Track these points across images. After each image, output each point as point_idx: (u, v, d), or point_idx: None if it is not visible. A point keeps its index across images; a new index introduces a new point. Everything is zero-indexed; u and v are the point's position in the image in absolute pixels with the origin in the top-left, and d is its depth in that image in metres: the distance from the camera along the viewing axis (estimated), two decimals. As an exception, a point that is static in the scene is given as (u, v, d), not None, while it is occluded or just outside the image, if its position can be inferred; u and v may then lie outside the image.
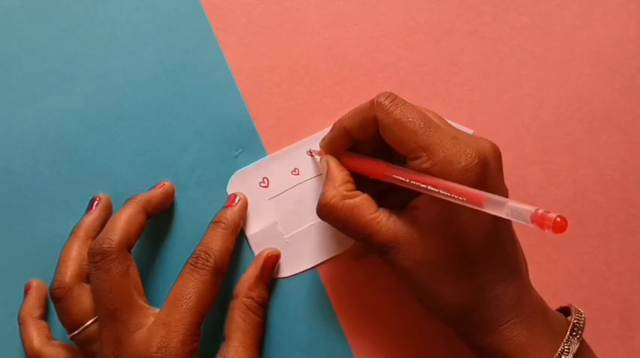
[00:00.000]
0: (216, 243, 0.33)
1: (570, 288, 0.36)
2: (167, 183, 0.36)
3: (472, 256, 0.29)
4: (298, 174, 0.37)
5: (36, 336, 0.35)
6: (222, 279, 0.32)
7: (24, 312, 0.36)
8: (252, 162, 0.37)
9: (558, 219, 0.23)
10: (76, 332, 0.32)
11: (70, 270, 0.33)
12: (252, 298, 0.34)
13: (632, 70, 0.37)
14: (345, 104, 0.37)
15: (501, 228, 0.30)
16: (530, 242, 0.36)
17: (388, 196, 0.33)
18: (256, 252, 0.36)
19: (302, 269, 0.37)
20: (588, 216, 0.37)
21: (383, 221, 0.30)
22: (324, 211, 0.31)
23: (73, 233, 0.34)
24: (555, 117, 0.37)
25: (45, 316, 0.36)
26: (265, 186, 0.37)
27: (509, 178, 0.37)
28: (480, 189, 0.27)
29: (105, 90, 0.37)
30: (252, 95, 0.37)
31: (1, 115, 0.37)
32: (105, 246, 0.31)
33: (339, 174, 0.32)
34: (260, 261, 0.35)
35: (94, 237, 0.33)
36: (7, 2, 0.38)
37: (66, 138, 0.37)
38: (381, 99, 0.30)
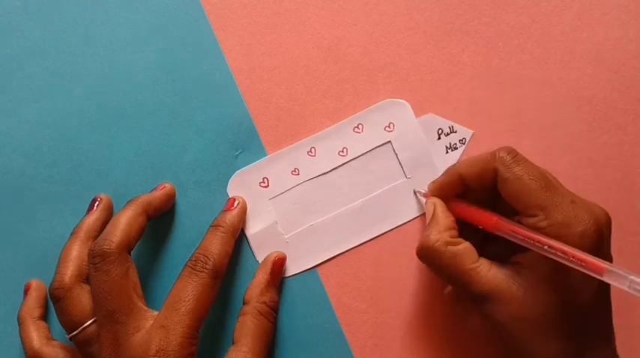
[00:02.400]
0: (216, 246, 0.33)
1: (570, 288, 0.36)
2: (168, 185, 0.36)
3: (573, 319, 0.29)
4: (298, 174, 0.37)
5: (35, 336, 0.35)
6: (220, 282, 0.32)
7: (23, 312, 0.36)
8: (252, 162, 0.37)
9: None
10: (74, 332, 0.32)
11: (69, 271, 0.33)
12: (264, 303, 0.34)
13: (632, 70, 0.37)
14: (345, 104, 0.37)
15: (604, 293, 0.30)
16: (530, 242, 0.36)
17: (486, 247, 0.33)
18: (257, 252, 0.36)
19: (302, 269, 0.37)
20: (588, 216, 0.37)
21: (483, 271, 0.30)
22: (425, 253, 0.31)
23: (73, 233, 0.34)
24: (555, 117, 0.37)
25: (44, 316, 0.36)
26: (265, 186, 0.37)
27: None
28: (594, 255, 0.27)
29: (105, 90, 0.37)
30: (252, 95, 0.37)
31: (1, 115, 0.37)
32: (105, 247, 0.31)
33: (445, 219, 0.32)
34: (269, 266, 0.35)
35: (95, 238, 0.33)
36: (7, 2, 0.38)
37: (66, 138, 0.37)
38: (504, 154, 0.31)
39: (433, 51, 0.37)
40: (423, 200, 0.35)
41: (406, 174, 0.37)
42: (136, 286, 0.32)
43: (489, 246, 0.33)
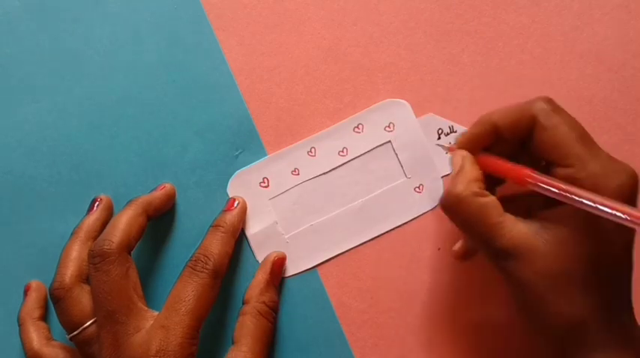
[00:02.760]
0: (216, 246, 0.33)
1: (570, 288, 0.36)
2: (168, 185, 0.36)
3: (602, 271, 0.28)
4: (298, 174, 0.37)
5: (35, 337, 0.35)
6: (220, 283, 0.32)
7: (23, 313, 0.36)
8: (252, 162, 0.37)
9: None
10: (75, 332, 0.32)
11: (70, 271, 0.33)
12: (264, 303, 0.34)
13: (632, 70, 0.37)
14: (345, 104, 0.37)
15: (632, 247, 0.29)
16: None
17: (509, 204, 0.32)
18: (257, 252, 0.36)
19: (302, 269, 0.37)
20: (588, 216, 0.37)
21: (509, 226, 0.29)
22: (451, 202, 0.30)
23: (73, 233, 0.34)
24: (555, 117, 0.37)
25: (44, 317, 0.36)
26: (265, 186, 0.37)
27: (509, 178, 0.37)
28: None
29: (105, 90, 0.37)
30: (252, 95, 0.37)
31: (1, 115, 0.37)
32: (105, 247, 0.31)
33: (472, 170, 0.31)
34: (268, 265, 0.35)
35: (95, 238, 0.33)
36: (7, 2, 0.38)
37: (66, 138, 0.37)
38: (542, 102, 0.30)
39: (433, 51, 0.37)
40: (448, 155, 0.34)
41: (406, 174, 0.37)
42: (136, 286, 0.32)
43: (512, 204, 0.31)
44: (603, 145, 0.37)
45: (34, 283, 0.36)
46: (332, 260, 0.37)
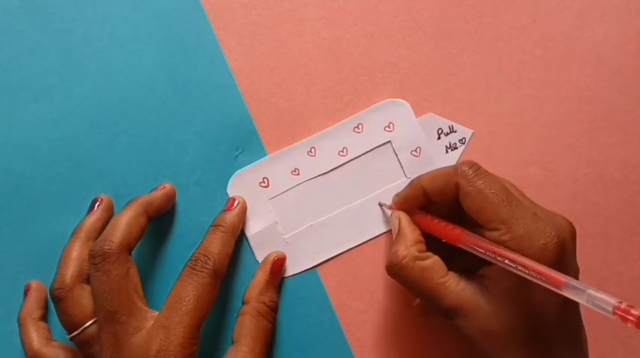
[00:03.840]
0: (216, 246, 0.33)
1: (570, 288, 0.36)
2: (168, 186, 0.36)
3: (540, 331, 0.29)
4: (298, 174, 0.37)
5: (35, 337, 0.35)
6: (221, 282, 0.32)
7: (23, 313, 0.36)
8: (252, 162, 0.37)
9: None
10: (75, 333, 0.32)
11: (70, 271, 0.33)
12: (263, 303, 0.34)
13: (632, 70, 0.37)
14: (345, 104, 0.37)
15: (571, 305, 0.29)
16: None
17: (454, 258, 0.33)
18: (257, 252, 0.36)
19: (302, 269, 0.37)
20: (588, 216, 0.37)
21: (452, 286, 0.30)
22: (394, 270, 0.31)
23: (74, 233, 0.34)
24: (555, 117, 0.37)
25: (45, 317, 0.36)
26: (265, 186, 0.37)
27: (510, 178, 0.37)
28: (556, 268, 0.27)
29: (105, 90, 0.37)
30: (252, 95, 0.37)
31: (1, 115, 0.37)
32: (105, 247, 0.31)
33: (411, 233, 0.32)
34: (268, 265, 0.35)
35: (95, 238, 0.33)
36: (7, 2, 0.38)
37: (66, 138, 0.37)
38: (465, 168, 0.30)
39: (433, 51, 0.37)
40: (389, 212, 0.35)
41: (406, 174, 0.37)
42: (137, 286, 0.32)
43: (459, 257, 0.32)
44: (603, 145, 0.37)
45: (34, 283, 0.36)
46: (332, 260, 0.37)
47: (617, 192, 0.37)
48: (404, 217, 0.33)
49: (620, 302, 0.24)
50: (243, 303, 0.35)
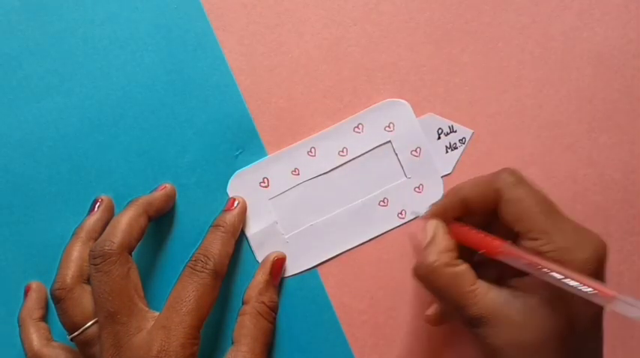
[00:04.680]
0: (216, 246, 0.33)
1: (570, 288, 0.36)
2: (168, 186, 0.36)
3: (570, 344, 0.28)
4: (298, 174, 0.37)
5: (36, 338, 0.35)
6: (221, 283, 0.32)
7: (23, 314, 0.36)
8: (252, 162, 0.37)
9: None
10: (76, 333, 0.32)
11: (71, 271, 0.33)
12: (263, 303, 0.34)
13: (632, 70, 0.37)
14: (345, 104, 0.37)
15: (599, 321, 0.29)
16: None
17: (482, 270, 0.32)
18: (257, 252, 0.36)
19: (302, 269, 0.37)
20: (588, 216, 0.37)
21: (481, 294, 0.29)
22: (423, 272, 0.31)
23: (74, 234, 0.34)
24: (555, 117, 0.37)
25: (45, 317, 0.36)
26: (265, 186, 0.37)
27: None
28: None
29: (105, 90, 0.37)
30: (252, 95, 0.37)
31: (1, 115, 0.37)
32: (106, 248, 0.31)
33: (445, 241, 0.32)
34: (268, 265, 0.35)
35: (96, 239, 0.33)
36: (7, 2, 0.38)
37: (66, 138, 0.37)
38: (507, 175, 0.30)
39: (433, 51, 0.37)
40: (423, 222, 0.34)
41: (406, 174, 0.37)
42: (137, 287, 0.32)
43: (485, 269, 0.32)
44: (603, 145, 0.37)
45: (34, 284, 0.36)
46: (332, 260, 0.37)
47: (617, 192, 0.37)
48: (441, 225, 0.33)
49: None
50: (243, 303, 0.35)
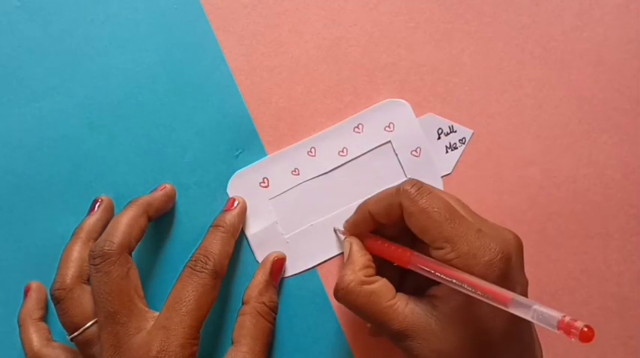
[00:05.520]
0: (216, 246, 0.33)
1: (570, 288, 0.36)
2: (168, 186, 0.36)
3: (491, 348, 0.29)
4: (298, 174, 0.37)
5: (36, 338, 0.35)
6: (221, 283, 0.32)
7: (23, 314, 0.36)
8: (252, 162, 0.37)
9: (585, 329, 0.23)
10: (76, 333, 0.32)
11: (70, 272, 0.33)
12: (263, 303, 0.34)
13: (632, 70, 0.37)
14: (345, 104, 0.37)
15: (521, 320, 0.29)
16: (530, 242, 0.36)
17: (408, 278, 0.33)
18: (257, 252, 0.36)
19: (302, 269, 0.37)
20: (588, 216, 0.37)
21: (400, 308, 0.30)
22: (341, 294, 0.31)
23: (74, 234, 0.34)
24: (555, 117, 0.37)
25: (45, 318, 0.36)
26: (265, 187, 0.37)
27: (510, 178, 0.37)
28: (502, 283, 0.27)
29: (105, 90, 0.37)
30: (252, 95, 0.37)
31: (1, 115, 0.37)
32: (106, 248, 0.31)
33: (360, 258, 0.32)
34: (268, 266, 0.35)
35: (96, 239, 0.33)
36: (7, 2, 0.38)
37: (66, 138, 0.37)
38: (407, 187, 0.30)
39: (433, 51, 0.37)
40: (342, 238, 0.35)
41: (406, 174, 0.37)
42: (137, 287, 0.32)
43: (411, 278, 0.32)
44: (603, 145, 0.37)
45: (34, 284, 0.36)
46: (332, 260, 0.37)
47: (617, 192, 0.37)
48: (355, 242, 0.33)
49: (564, 317, 0.24)
50: (243, 303, 0.35)
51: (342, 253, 0.37)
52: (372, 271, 0.32)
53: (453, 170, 0.37)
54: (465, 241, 0.28)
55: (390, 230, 0.33)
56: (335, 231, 0.36)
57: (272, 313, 0.35)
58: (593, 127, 0.37)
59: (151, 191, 0.36)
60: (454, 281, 0.28)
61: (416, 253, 0.30)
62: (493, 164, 0.37)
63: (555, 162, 0.37)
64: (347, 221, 0.35)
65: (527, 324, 0.30)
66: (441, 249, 0.29)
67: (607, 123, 0.37)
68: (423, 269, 0.29)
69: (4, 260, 0.37)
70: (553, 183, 0.37)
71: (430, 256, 0.29)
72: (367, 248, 0.33)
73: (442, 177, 0.37)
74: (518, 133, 0.37)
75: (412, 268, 0.30)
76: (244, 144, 0.37)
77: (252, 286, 0.35)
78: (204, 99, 0.37)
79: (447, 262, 0.28)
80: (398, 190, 0.31)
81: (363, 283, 0.30)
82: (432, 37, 0.37)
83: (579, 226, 0.37)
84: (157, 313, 0.31)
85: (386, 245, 0.32)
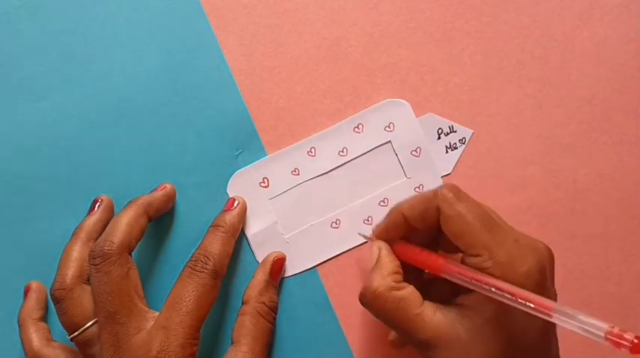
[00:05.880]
0: (216, 246, 0.33)
1: (570, 288, 0.36)
2: (168, 186, 0.36)
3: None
4: (298, 174, 0.37)
5: (35, 338, 0.35)
6: (221, 283, 0.32)
7: (23, 314, 0.36)
8: (252, 162, 0.37)
9: (636, 341, 0.22)
10: (76, 333, 0.32)
11: (70, 272, 0.33)
12: (263, 303, 0.34)
13: (632, 70, 0.37)
14: (345, 104, 0.37)
15: (550, 331, 0.29)
16: (530, 242, 0.36)
17: (432, 287, 0.32)
18: (257, 252, 0.36)
19: (302, 269, 0.37)
20: (588, 216, 0.37)
21: (428, 317, 0.29)
22: (369, 298, 0.30)
23: (74, 234, 0.34)
24: (555, 117, 0.37)
25: (45, 318, 0.36)
26: (265, 186, 0.37)
27: (510, 178, 0.37)
28: (538, 293, 0.27)
29: (105, 90, 0.37)
30: (252, 95, 0.37)
31: (1, 115, 0.37)
32: (106, 248, 0.31)
33: (389, 263, 0.31)
34: (268, 266, 0.35)
35: (96, 239, 0.33)
36: (7, 2, 0.38)
37: (66, 138, 0.37)
38: (446, 192, 0.30)
39: (433, 51, 0.37)
40: (369, 243, 0.34)
41: (406, 174, 0.37)
42: (137, 287, 0.32)
43: (435, 286, 0.32)
44: (603, 145, 0.37)
45: (34, 284, 0.36)
46: (332, 260, 0.37)
47: (617, 192, 0.37)
48: (384, 247, 0.32)
49: (613, 327, 0.23)
50: (242, 303, 0.35)
51: (342, 253, 0.37)
52: (400, 277, 0.31)
53: (453, 170, 0.37)
54: (503, 249, 0.28)
55: (418, 237, 0.32)
56: (362, 235, 0.35)
57: (272, 313, 0.35)
58: (593, 127, 0.37)
59: (151, 191, 0.36)
60: (492, 289, 0.27)
61: (449, 260, 0.30)
62: (493, 164, 0.37)
63: (555, 162, 0.37)
64: (377, 226, 0.33)
65: (555, 338, 0.30)
66: (478, 256, 0.28)
67: (607, 123, 0.37)
68: (459, 276, 0.29)
69: (4, 260, 0.37)
70: (553, 183, 0.37)
71: (465, 265, 0.29)
72: (396, 254, 0.32)
73: (442, 177, 0.37)
74: (518, 133, 0.37)
75: (445, 275, 0.30)
76: (244, 144, 0.37)
77: (252, 286, 0.35)
78: (204, 99, 0.37)
79: (483, 270, 0.28)
80: (436, 194, 0.30)
81: (392, 288, 0.30)
82: (432, 37, 0.37)
83: (579, 226, 0.37)
84: (156, 313, 0.31)
85: (417, 251, 0.31)
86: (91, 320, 0.32)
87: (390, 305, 0.30)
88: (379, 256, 0.32)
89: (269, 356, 0.35)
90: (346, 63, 0.37)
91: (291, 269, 0.37)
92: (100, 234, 0.33)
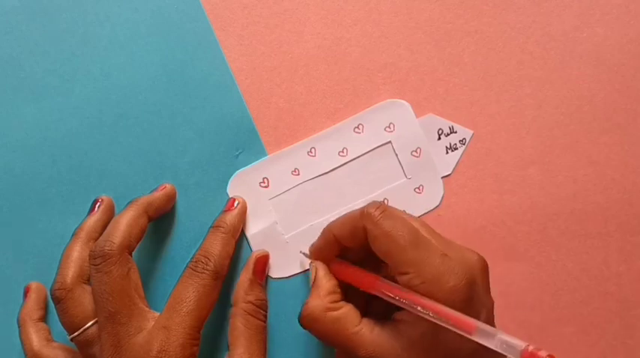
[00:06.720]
0: (216, 247, 0.33)
1: (570, 288, 0.36)
2: (168, 186, 0.36)
3: None
4: (298, 174, 0.37)
5: (35, 338, 0.35)
6: (222, 283, 0.32)
7: (23, 314, 0.36)
8: (252, 162, 0.37)
9: None
10: (76, 333, 0.32)
11: (71, 272, 0.33)
12: (250, 302, 0.34)
13: (632, 70, 0.37)
14: (345, 104, 0.37)
15: (486, 347, 0.28)
16: (530, 242, 0.36)
17: (374, 302, 0.32)
18: (256, 252, 0.36)
19: (302, 270, 0.37)
20: (588, 216, 0.37)
21: (366, 334, 0.29)
22: (306, 321, 0.31)
23: (74, 234, 0.34)
24: (555, 117, 0.37)
25: (44, 318, 0.36)
26: (265, 186, 0.37)
27: (510, 178, 0.37)
28: (468, 307, 0.27)
29: (105, 90, 0.37)
30: (252, 95, 0.37)
31: (1, 115, 0.37)
32: (106, 248, 0.31)
33: (325, 283, 0.32)
34: (251, 264, 0.35)
35: (96, 239, 0.33)
36: (7, 2, 0.38)
37: (66, 138, 0.37)
38: (371, 210, 0.30)
39: (433, 51, 0.37)
40: (308, 263, 0.34)
41: (406, 174, 0.37)
42: (138, 287, 0.32)
43: (377, 301, 0.32)
44: (603, 145, 0.37)
45: (34, 284, 0.36)
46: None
47: (617, 192, 0.37)
48: (320, 267, 0.33)
49: (528, 346, 0.23)
50: (231, 306, 0.35)
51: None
52: (337, 296, 0.31)
53: (453, 171, 0.37)
54: (429, 266, 0.28)
55: (357, 254, 0.33)
56: (302, 253, 0.36)
57: (261, 311, 0.34)
58: (593, 127, 0.37)
59: (151, 191, 0.36)
60: (418, 308, 0.27)
61: (381, 278, 0.30)
62: (493, 164, 0.37)
63: (555, 162, 0.37)
64: (311, 245, 0.34)
65: (494, 352, 0.29)
66: (406, 274, 0.28)
67: (607, 123, 0.37)
68: (388, 295, 0.29)
69: (4, 260, 0.37)
70: (553, 183, 0.37)
71: (396, 281, 0.29)
72: (333, 272, 0.32)
73: (442, 177, 0.37)
74: (518, 133, 0.37)
75: (377, 293, 0.30)
76: (244, 144, 0.37)
77: (238, 287, 0.35)
78: (204, 99, 0.37)
79: (412, 288, 0.28)
80: (362, 213, 0.30)
81: (328, 310, 0.30)
82: (432, 37, 0.37)
83: (579, 226, 0.37)
84: (157, 313, 0.31)
85: (351, 269, 0.32)
86: (91, 321, 0.32)
87: (326, 326, 0.30)
88: (316, 277, 0.32)
89: (266, 354, 0.35)
90: (346, 63, 0.37)
91: (291, 269, 0.36)
92: (100, 234, 0.33)
